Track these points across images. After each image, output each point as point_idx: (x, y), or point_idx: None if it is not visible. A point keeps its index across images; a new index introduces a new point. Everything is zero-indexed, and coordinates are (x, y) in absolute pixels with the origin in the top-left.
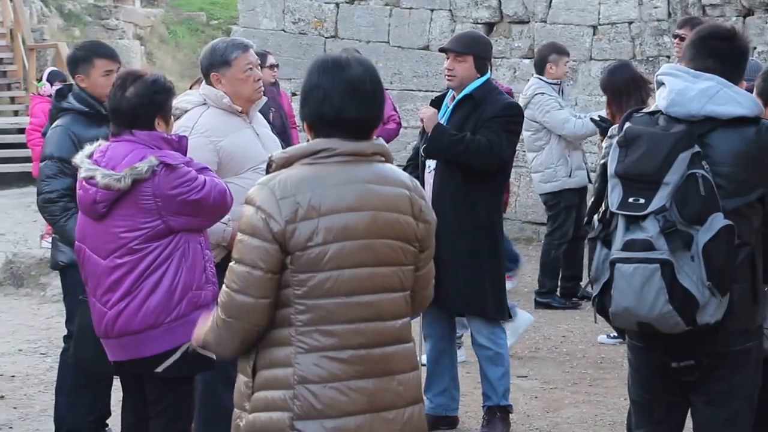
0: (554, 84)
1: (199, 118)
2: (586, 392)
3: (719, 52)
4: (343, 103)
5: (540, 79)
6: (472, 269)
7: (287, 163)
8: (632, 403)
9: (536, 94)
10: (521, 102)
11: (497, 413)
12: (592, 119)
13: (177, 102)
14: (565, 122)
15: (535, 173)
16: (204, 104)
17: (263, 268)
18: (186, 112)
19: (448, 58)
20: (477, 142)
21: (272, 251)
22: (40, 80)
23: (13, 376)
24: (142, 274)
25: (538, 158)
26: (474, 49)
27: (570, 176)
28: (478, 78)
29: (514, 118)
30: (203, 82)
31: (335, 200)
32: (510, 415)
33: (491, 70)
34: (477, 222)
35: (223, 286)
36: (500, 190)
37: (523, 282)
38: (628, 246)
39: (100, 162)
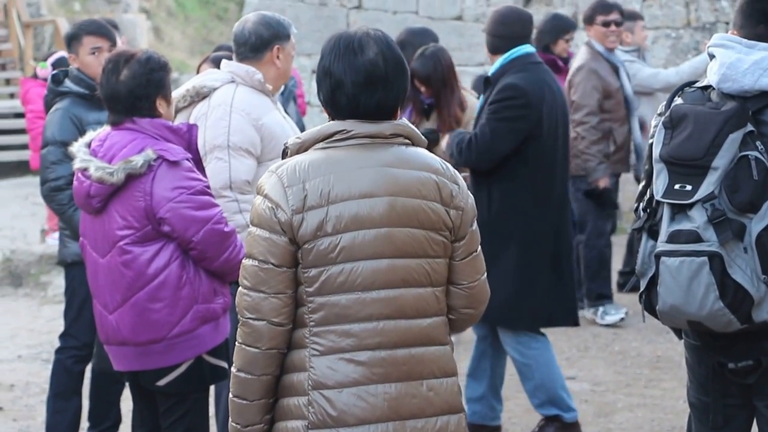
0: (633, 51)
1: (235, 94)
2: (641, 395)
3: None
4: (356, 91)
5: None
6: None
7: (302, 148)
8: (691, 407)
9: None
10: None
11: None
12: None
13: (203, 80)
14: (655, 75)
15: None
16: (232, 82)
17: (273, 262)
18: (214, 89)
19: None
20: (461, 148)
21: (281, 243)
22: (44, 60)
23: (13, 385)
24: (137, 279)
25: None
26: (486, 27)
27: None
28: (497, 59)
29: (508, 101)
30: (215, 62)
31: (347, 186)
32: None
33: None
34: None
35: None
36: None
37: None
38: (673, 237)
39: (98, 152)
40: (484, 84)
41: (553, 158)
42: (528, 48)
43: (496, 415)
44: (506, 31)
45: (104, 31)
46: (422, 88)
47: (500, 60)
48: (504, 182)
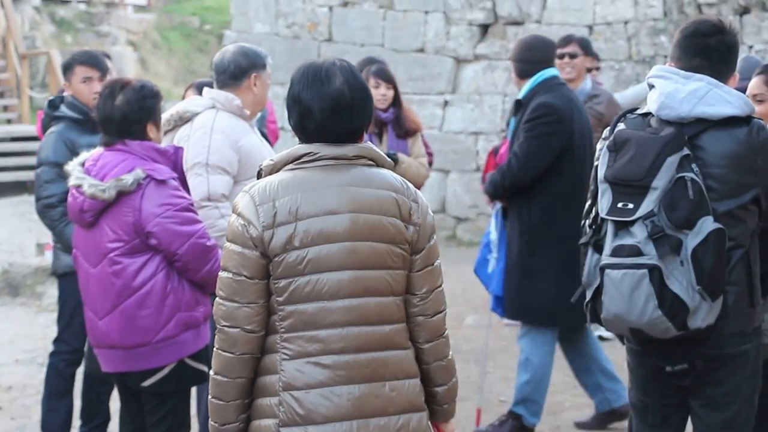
0: None
1: (216, 118)
2: (587, 395)
3: (706, 49)
4: (323, 118)
5: None
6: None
7: (273, 169)
8: (632, 407)
9: None
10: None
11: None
12: None
13: (186, 106)
14: None
15: None
16: (213, 107)
17: (245, 275)
18: (196, 114)
19: None
20: (503, 171)
21: (253, 257)
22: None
23: (11, 387)
24: (125, 288)
25: None
26: (513, 55)
27: None
28: (525, 83)
29: (542, 118)
30: (200, 88)
31: (313, 204)
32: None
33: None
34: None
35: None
36: (558, 193)
37: None
38: (616, 252)
39: (91, 171)
40: (516, 106)
41: (583, 169)
42: (553, 71)
43: (615, 396)
44: (532, 57)
45: (95, 62)
46: (385, 93)
47: (529, 83)
48: (542, 193)
